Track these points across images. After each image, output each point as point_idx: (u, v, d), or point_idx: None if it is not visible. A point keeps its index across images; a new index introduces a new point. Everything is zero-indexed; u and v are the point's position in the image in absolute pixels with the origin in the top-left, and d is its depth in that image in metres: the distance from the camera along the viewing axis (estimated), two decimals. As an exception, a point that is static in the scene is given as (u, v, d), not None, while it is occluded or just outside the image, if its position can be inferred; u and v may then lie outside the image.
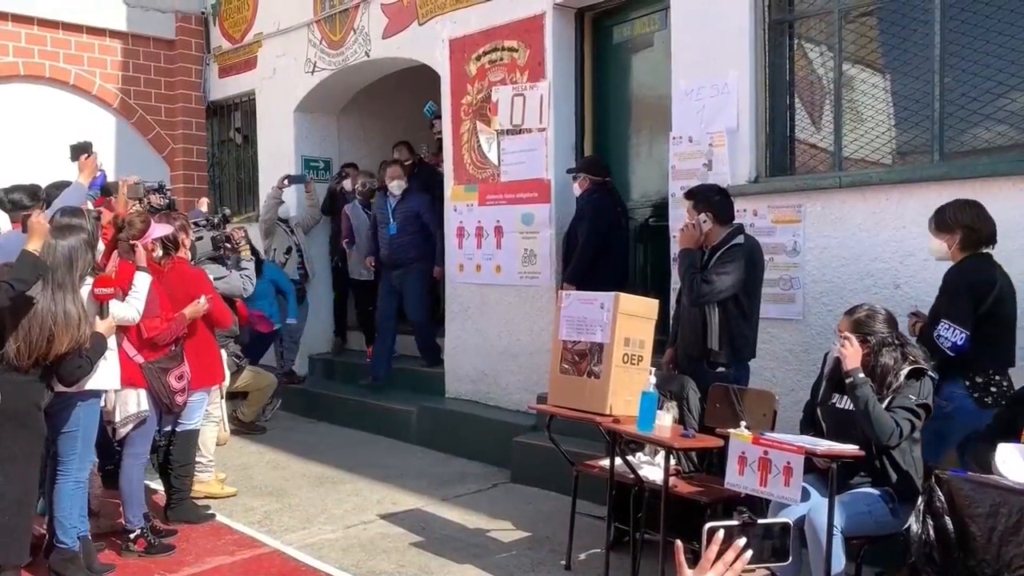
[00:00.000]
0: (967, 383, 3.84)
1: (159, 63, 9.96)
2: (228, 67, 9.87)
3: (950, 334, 3.78)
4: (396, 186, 7.67)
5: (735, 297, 4.48)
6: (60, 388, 4.11)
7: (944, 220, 3.97)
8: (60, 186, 5.11)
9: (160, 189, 6.11)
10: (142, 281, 4.55)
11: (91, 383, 4.17)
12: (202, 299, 4.95)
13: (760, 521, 1.80)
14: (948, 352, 3.79)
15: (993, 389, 3.81)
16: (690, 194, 4.77)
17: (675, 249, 5.31)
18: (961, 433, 3.71)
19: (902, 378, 3.60)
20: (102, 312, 4.17)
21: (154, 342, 4.65)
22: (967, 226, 3.91)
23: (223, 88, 10.00)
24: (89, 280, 4.13)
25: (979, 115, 4.57)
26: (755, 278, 4.60)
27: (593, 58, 6.63)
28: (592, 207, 5.95)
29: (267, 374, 7.40)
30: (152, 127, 9.96)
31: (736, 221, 4.76)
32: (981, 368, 3.82)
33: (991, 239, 3.95)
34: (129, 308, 4.43)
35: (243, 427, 7.31)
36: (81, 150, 4.98)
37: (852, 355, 3.66)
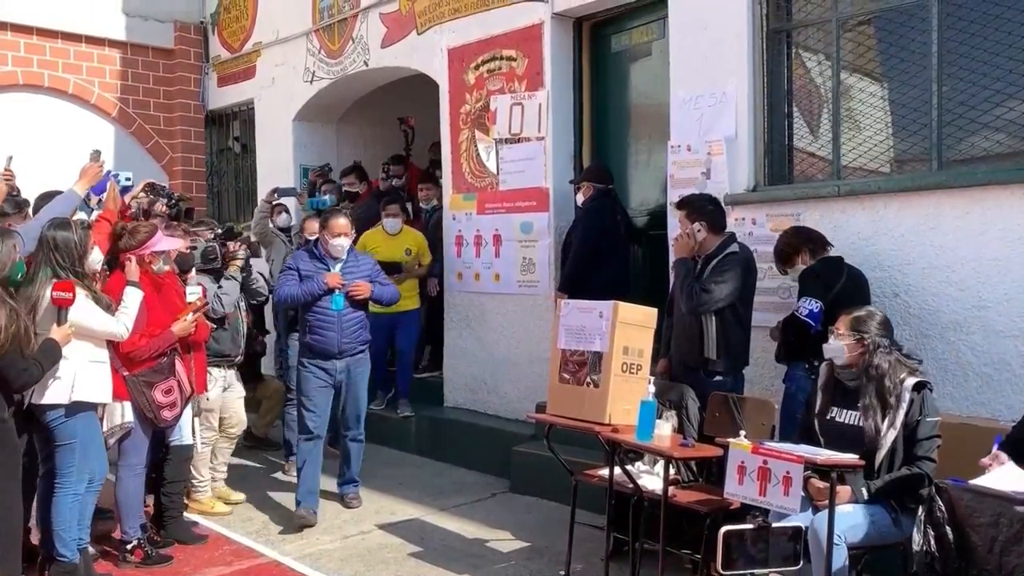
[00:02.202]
0: (807, 366, 4.41)
1: (158, 72, 9.97)
2: (227, 76, 9.88)
3: (806, 303, 4.41)
4: (340, 246, 5.52)
5: (732, 305, 4.50)
6: (55, 400, 4.08)
7: (784, 251, 4.71)
8: (46, 197, 5.04)
9: (169, 196, 5.98)
10: (133, 297, 4.42)
11: (84, 395, 4.13)
12: (190, 316, 4.81)
13: (774, 525, 1.80)
14: (807, 320, 4.38)
15: None
16: (682, 204, 4.78)
17: (673, 258, 5.31)
18: (802, 409, 4.12)
19: (908, 392, 3.60)
20: (59, 318, 4.01)
21: (130, 357, 4.53)
22: (804, 245, 4.64)
23: (222, 97, 10.01)
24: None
25: (977, 124, 4.57)
26: (750, 286, 4.62)
27: (591, 67, 6.63)
28: (587, 214, 5.95)
29: (271, 380, 7.31)
30: (151, 136, 9.96)
31: (728, 230, 4.77)
32: (819, 353, 4.14)
33: (826, 243, 4.66)
34: (116, 324, 4.29)
35: (258, 443, 7.22)
36: (95, 157, 4.88)
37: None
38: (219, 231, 5.92)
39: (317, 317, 5.43)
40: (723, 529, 2.04)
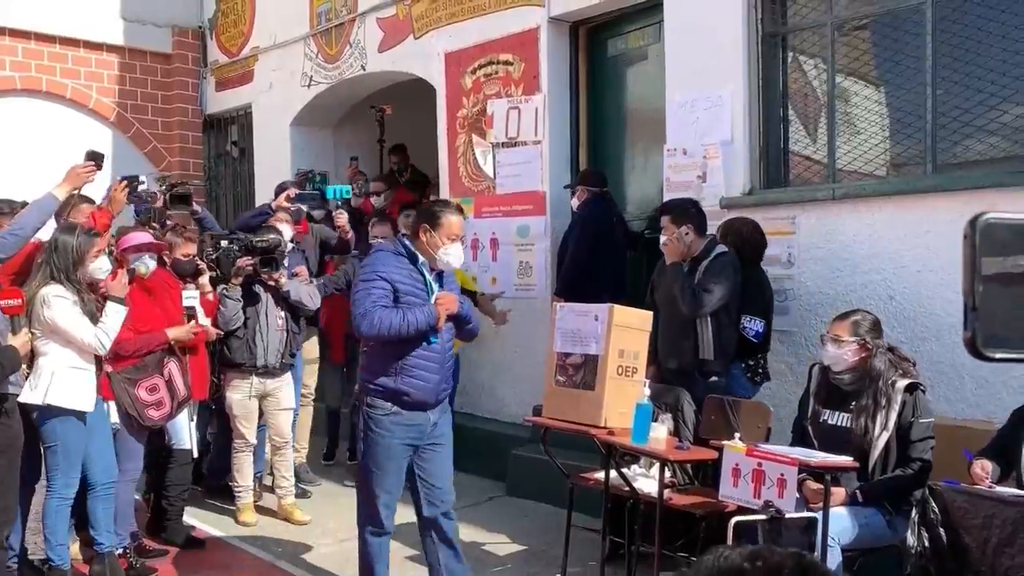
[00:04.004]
0: (743, 366, 4.73)
1: (156, 77, 9.98)
2: (225, 81, 9.89)
3: (751, 323, 4.67)
4: (456, 255, 3.96)
5: (725, 306, 4.52)
6: (31, 400, 4.03)
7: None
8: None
9: (162, 183, 5.90)
10: (114, 315, 4.20)
11: (57, 399, 4.05)
12: (190, 324, 4.76)
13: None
14: (753, 340, 4.67)
15: (760, 370, 4.77)
16: (666, 209, 4.81)
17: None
18: None
19: (900, 393, 3.62)
20: (13, 327, 3.92)
21: (114, 352, 4.41)
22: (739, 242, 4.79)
23: (220, 102, 10.02)
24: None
25: (971, 127, 4.59)
26: (739, 286, 4.64)
27: (588, 71, 6.65)
28: (583, 218, 5.97)
29: None
30: (149, 140, 9.97)
31: (708, 232, 4.79)
32: (751, 353, 4.72)
33: (759, 253, 4.88)
34: (93, 337, 4.13)
35: None
36: (89, 157, 4.67)
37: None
38: (235, 247, 5.55)
39: (415, 353, 3.84)
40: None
